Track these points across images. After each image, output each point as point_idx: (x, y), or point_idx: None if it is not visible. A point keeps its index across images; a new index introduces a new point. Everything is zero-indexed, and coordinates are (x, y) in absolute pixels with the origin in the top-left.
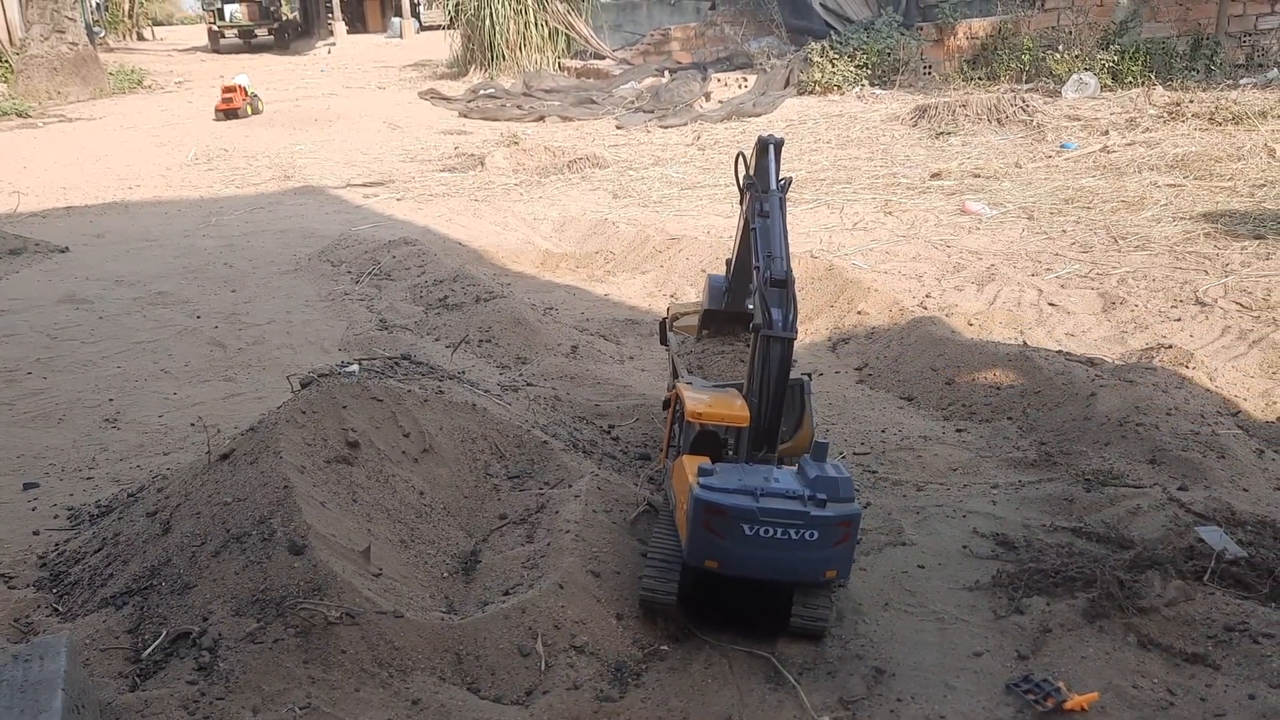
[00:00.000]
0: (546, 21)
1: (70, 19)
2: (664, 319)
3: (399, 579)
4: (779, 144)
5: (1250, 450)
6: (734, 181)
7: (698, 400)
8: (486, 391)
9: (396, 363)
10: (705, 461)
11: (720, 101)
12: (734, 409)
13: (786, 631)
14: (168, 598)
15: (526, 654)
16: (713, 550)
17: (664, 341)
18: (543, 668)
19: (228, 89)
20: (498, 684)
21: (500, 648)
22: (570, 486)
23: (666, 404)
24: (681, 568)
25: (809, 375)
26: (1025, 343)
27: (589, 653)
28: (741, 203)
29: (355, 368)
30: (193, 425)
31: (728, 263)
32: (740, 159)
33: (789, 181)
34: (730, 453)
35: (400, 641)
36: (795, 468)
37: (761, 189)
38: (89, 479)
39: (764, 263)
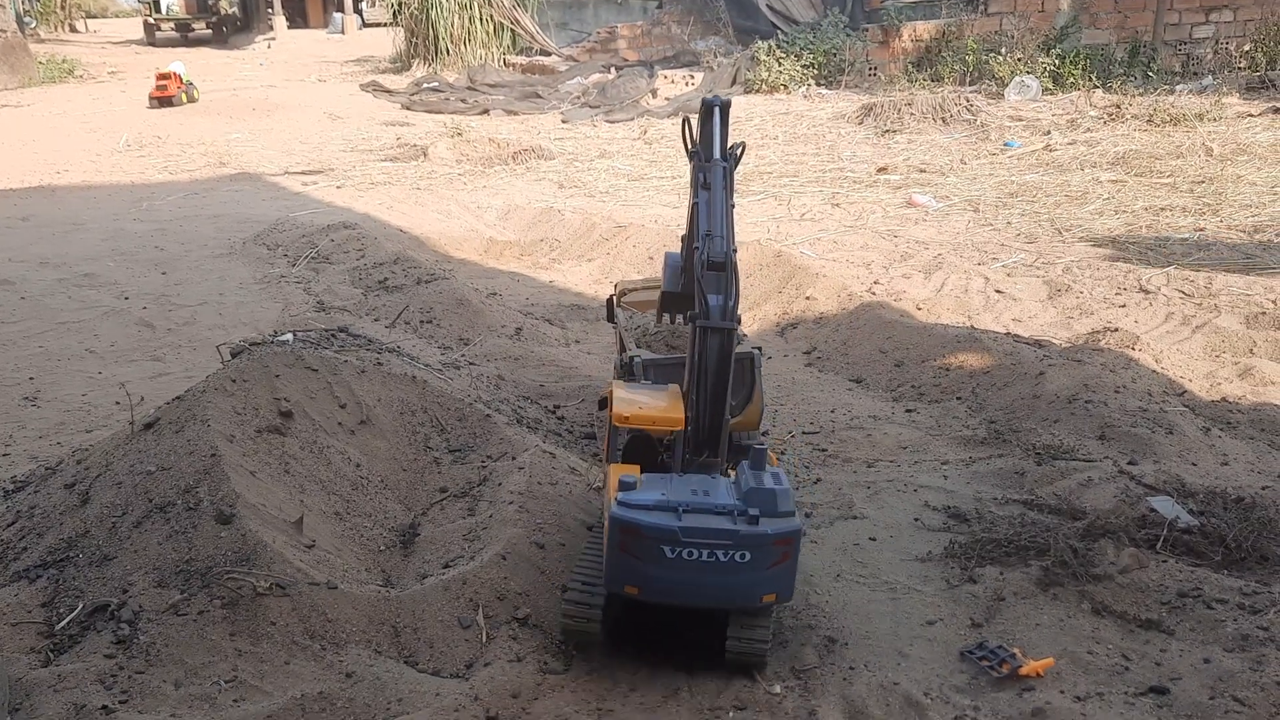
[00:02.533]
0: (492, 17)
1: None
2: (611, 295)
3: (333, 551)
4: (725, 106)
5: (1197, 428)
6: (684, 174)
7: (628, 401)
8: (427, 365)
9: (333, 335)
10: (630, 472)
11: (667, 98)
12: (666, 410)
13: (722, 662)
14: (85, 570)
15: (467, 626)
16: (631, 575)
17: (611, 319)
18: (484, 640)
19: (162, 76)
20: (436, 657)
21: (440, 620)
22: (514, 459)
23: (603, 403)
24: (607, 593)
25: (759, 349)
26: (973, 327)
27: (533, 625)
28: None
29: (289, 337)
30: (118, 404)
31: (683, 239)
32: (687, 125)
33: (742, 147)
34: (666, 457)
35: (334, 614)
36: (732, 477)
37: (704, 157)
38: (4, 455)
39: (702, 243)
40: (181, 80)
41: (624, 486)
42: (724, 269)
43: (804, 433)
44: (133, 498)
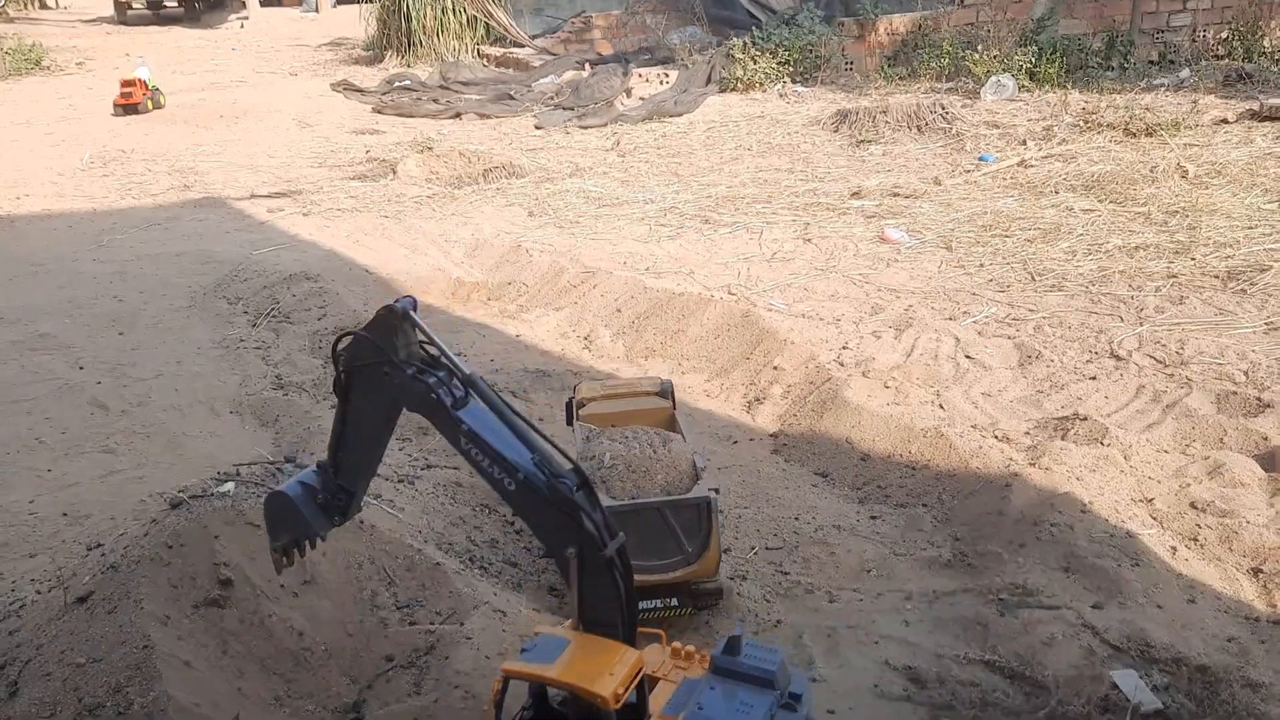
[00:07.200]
0: (464, 8)
1: None
2: (570, 400)
3: None
4: (415, 304)
5: (1165, 548)
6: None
7: (589, 676)
8: (378, 496)
9: (279, 469)
10: None
11: (641, 98)
12: (625, 659)
13: None
14: None
15: None
16: None
17: (570, 423)
18: None
19: (126, 83)
20: None
21: None
22: (462, 624)
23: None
24: None
25: (715, 490)
26: (942, 405)
27: None
28: (345, 392)
29: (230, 487)
30: (64, 515)
31: (323, 466)
32: (337, 347)
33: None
34: None
35: None
36: (720, 677)
37: (421, 374)
38: None
39: (534, 470)
40: (147, 86)
41: None
42: (588, 484)
43: (766, 548)
44: (62, 695)
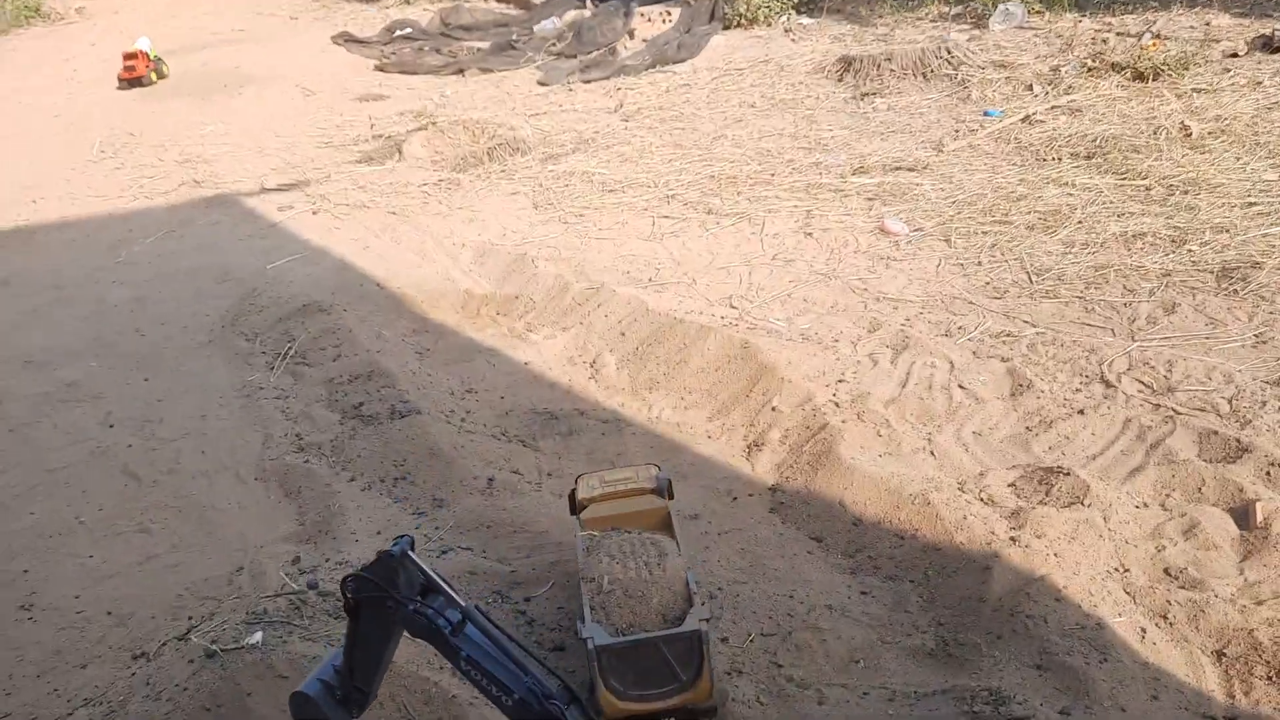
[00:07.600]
0: None
1: None
2: (573, 491)
3: None
4: (412, 543)
5: (1134, 632)
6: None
7: None
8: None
9: (303, 600)
10: None
11: (644, 40)
12: None
13: None
14: None
15: None
16: None
17: (574, 513)
18: None
19: (128, 56)
20: None
21: None
22: None
23: None
24: None
25: (708, 620)
26: (933, 451)
27: None
28: (355, 614)
29: (259, 637)
30: (109, 614)
31: (337, 668)
32: (347, 584)
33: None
34: None
35: None
36: None
37: (423, 607)
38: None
39: (529, 695)
40: (149, 58)
41: None
42: (578, 699)
43: (762, 634)
44: None
